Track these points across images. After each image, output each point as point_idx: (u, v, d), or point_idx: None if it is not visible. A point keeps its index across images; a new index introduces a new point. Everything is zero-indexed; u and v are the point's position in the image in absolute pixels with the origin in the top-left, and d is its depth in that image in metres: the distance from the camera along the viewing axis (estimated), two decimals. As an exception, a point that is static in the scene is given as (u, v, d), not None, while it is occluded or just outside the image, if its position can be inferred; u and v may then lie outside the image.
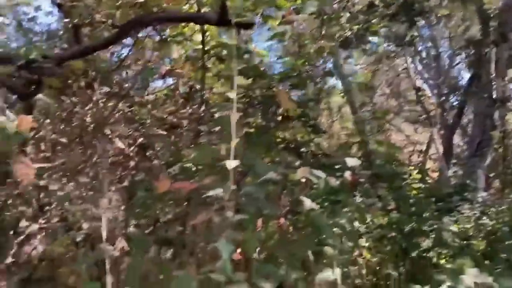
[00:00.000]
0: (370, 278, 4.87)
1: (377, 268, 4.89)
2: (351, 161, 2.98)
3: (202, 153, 2.84)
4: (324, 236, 2.97)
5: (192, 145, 4.36)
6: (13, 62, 2.79)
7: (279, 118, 3.76)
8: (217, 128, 3.40)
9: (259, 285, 2.46)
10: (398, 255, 4.55)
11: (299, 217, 2.96)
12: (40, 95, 3.83)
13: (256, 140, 3.11)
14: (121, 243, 2.65)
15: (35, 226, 4.15)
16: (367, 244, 4.90)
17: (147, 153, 4.61)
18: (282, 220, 2.92)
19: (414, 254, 4.52)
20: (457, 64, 10.59)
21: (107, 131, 4.48)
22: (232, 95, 2.29)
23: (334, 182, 2.75)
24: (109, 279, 2.22)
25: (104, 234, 2.31)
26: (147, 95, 5.47)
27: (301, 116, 3.84)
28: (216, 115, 3.17)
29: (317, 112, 4.14)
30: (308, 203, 2.74)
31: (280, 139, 3.91)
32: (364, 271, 4.87)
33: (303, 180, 2.87)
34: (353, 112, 6.97)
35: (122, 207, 3.87)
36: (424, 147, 11.42)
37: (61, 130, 4.55)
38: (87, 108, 4.34)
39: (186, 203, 3.43)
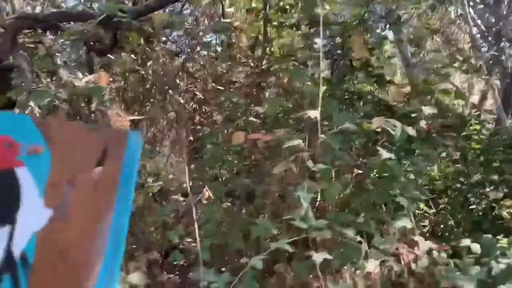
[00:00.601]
0: (429, 229, 4.87)
1: (433, 218, 4.87)
2: (427, 109, 2.91)
3: (274, 105, 2.84)
4: (398, 185, 2.97)
5: (251, 99, 4.36)
6: (93, 18, 2.83)
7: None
8: (285, 81, 3.37)
9: (341, 232, 2.51)
10: (463, 206, 4.51)
11: (374, 167, 2.94)
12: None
13: (328, 91, 3.07)
14: (207, 193, 2.74)
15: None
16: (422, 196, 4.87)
17: (207, 109, 4.66)
18: (356, 170, 2.92)
19: (478, 205, 4.46)
20: (517, 8, 9.91)
21: (168, 88, 4.54)
22: (319, 42, 2.24)
23: (411, 131, 2.70)
24: (196, 226, 2.32)
25: (188, 186, 2.38)
26: (201, 50, 5.46)
27: (365, 66, 3.74)
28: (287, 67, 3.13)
29: (381, 61, 4.01)
30: (384, 153, 2.72)
31: (342, 90, 3.84)
32: (426, 222, 4.87)
33: (378, 129, 2.84)
34: (405, 62, 6.74)
35: (189, 161, 3.96)
36: (477, 98, 10.96)
37: (124, 87, 4.65)
38: (148, 65, 4.39)
39: (255, 155, 3.48)
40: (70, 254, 0.82)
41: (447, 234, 4.64)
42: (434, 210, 4.83)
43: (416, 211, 4.64)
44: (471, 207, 4.64)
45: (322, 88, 2.34)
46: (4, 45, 2.98)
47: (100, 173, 0.87)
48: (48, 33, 3.62)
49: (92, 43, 3.17)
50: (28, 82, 2.83)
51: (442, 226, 4.83)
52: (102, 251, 0.83)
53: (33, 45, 3.77)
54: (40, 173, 0.80)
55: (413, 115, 3.00)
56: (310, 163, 2.41)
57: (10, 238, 0.75)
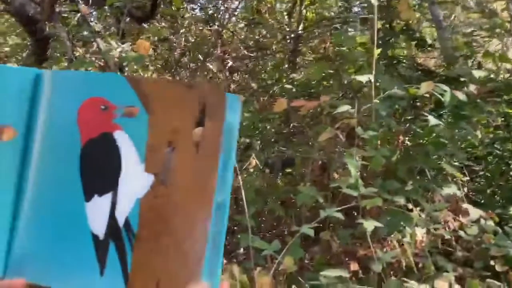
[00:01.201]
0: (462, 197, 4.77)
1: (467, 186, 4.78)
2: (477, 73, 2.80)
3: (319, 69, 2.76)
4: (443, 152, 2.90)
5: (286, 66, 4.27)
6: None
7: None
8: (324, 46, 3.28)
9: (391, 200, 2.47)
10: (503, 173, 4.40)
11: (421, 133, 2.87)
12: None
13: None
14: (254, 161, 2.72)
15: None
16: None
17: (240, 76, 4.60)
18: (402, 136, 2.85)
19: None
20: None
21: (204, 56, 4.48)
22: (374, 1, 2.14)
23: (461, 95, 2.60)
24: (243, 194, 2.32)
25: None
26: (231, 18, 5.35)
27: (407, 29, 3.61)
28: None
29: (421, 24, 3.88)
30: (432, 119, 2.63)
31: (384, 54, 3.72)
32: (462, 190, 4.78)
33: (426, 95, 2.75)
34: (437, 25, 6.52)
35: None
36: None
37: (155, 55, 4.61)
38: (181, 32, 4.33)
39: (292, 122, 3.43)
40: (174, 223, 0.77)
41: (483, 201, 4.56)
42: (468, 178, 4.73)
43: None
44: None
45: (377, 51, 2.25)
46: (43, 14, 2.95)
47: (201, 133, 0.80)
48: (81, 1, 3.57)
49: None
50: (69, 51, 2.81)
51: (478, 193, 4.74)
52: (207, 223, 0.77)
53: (66, 14, 3.74)
54: (138, 137, 0.75)
55: (462, 79, 2.89)
56: (359, 130, 2.34)
57: (114, 205, 0.72)
